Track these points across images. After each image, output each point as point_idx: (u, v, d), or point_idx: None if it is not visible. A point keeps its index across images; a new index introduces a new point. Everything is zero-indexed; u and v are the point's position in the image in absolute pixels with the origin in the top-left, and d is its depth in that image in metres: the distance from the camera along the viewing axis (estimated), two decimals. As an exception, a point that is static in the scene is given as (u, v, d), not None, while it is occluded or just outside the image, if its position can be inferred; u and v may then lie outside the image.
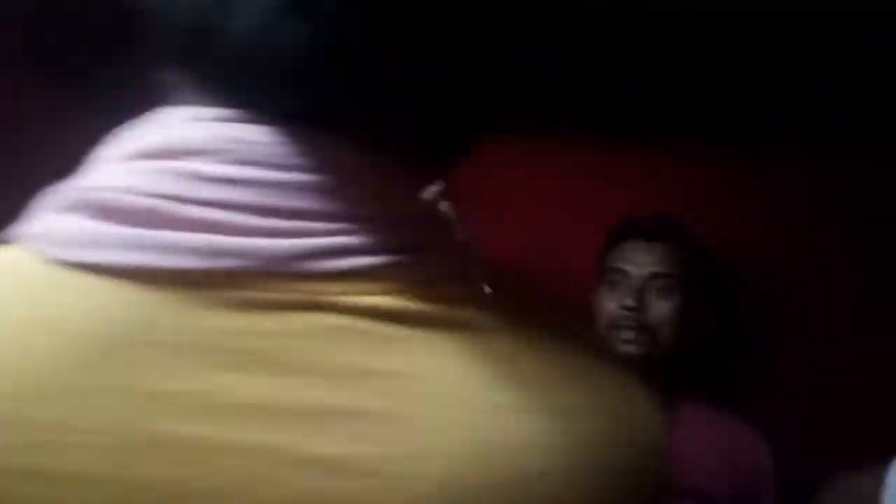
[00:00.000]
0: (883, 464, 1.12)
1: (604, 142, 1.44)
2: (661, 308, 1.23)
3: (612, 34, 1.33)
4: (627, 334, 1.22)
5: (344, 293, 0.28)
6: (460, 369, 0.29)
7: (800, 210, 1.38)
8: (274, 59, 0.29)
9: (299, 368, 0.27)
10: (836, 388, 1.33)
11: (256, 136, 0.29)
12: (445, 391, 0.28)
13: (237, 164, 0.28)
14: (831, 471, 1.16)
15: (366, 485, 0.26)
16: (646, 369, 1.22)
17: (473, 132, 0.35)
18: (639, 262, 1.25)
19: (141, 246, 0.27)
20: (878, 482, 1.10)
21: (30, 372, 0.26)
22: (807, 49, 1.31)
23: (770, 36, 1.31)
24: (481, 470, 0.27)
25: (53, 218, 0.29)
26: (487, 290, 0.34)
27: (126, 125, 0.32)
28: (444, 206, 1.11)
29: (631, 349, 1.21)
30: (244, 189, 0.28)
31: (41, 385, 0.26)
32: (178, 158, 0.29)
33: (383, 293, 0.29)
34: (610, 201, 1.43)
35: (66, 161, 0.34)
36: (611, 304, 1.25)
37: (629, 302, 1.22)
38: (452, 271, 0.32)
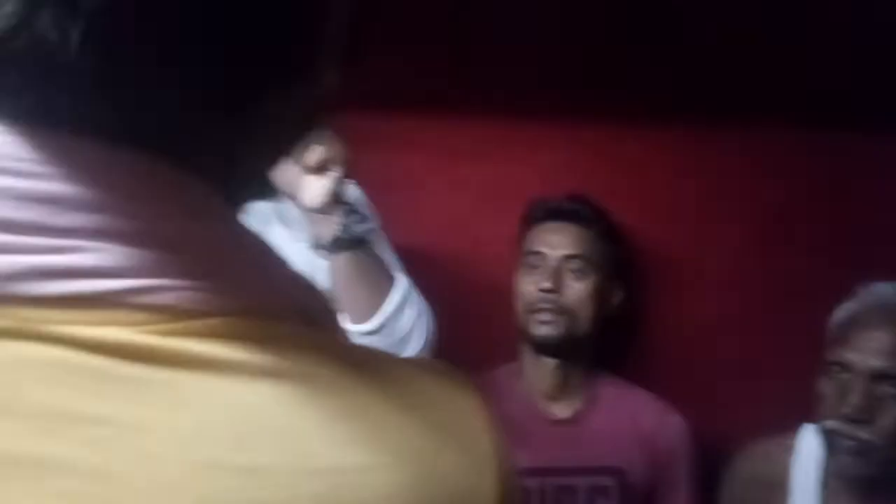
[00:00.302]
0: (791, 432, 1.15)
1: (516, 123, 1.41)
2: (576, 289, 1.23)
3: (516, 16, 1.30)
4: (545, 316, 1.22)
5: (64, 322, 0.25)
6: (202, 421, 0.25)
7: (705, 192, 1.41)
8: (34, 56, 0.25)
9: None
10: (745, 362, 1.38)
11: None
12: (173, 448, 0.24)
13: None
14: (742, 441, 1.20)
15: None
16: (563, 350, 1.22)
17: (265, 151, 0.32)
18: (554, 244, 1.25)
19: None
20: (788, 449, 1.13)
21: None
22: (719, 24, 1.32)
23: (675, 11, 1.31)
24: None
25: None
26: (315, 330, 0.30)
27: None
28: (352, 190, 1.05)
29: (549, 330, 1.21)
30: None
31: None
32: None
33: (117, 324, 0.25)
34: (523, 183, 1.40)
35: None
36: (529, 287, 1.24)
37: (546, 284, 1.22)
38: (235, 304, 0.27)
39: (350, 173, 0.96)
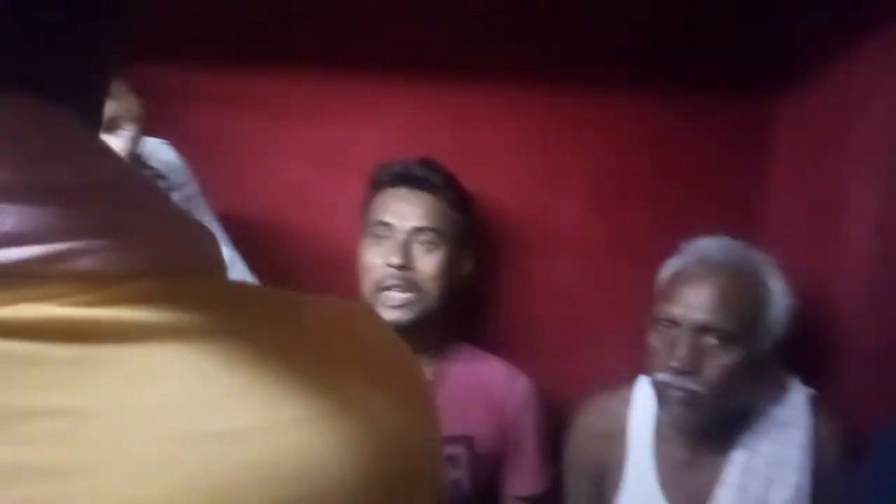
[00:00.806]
0: (628, 385, 1.19)
1: (358, 82, 1.34)
2: (427, 263, 1.18)
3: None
4: (395, 296, 1.16)
5: None
6: (161, 394, 0.23)
7: (550, 157, 1.41)
8: None
9: None
10: (592, 322, 1.41)
11: None
12: (138, 427, 0.22)
13: None
14: (586, 395, 1.23)
15: None
16: (415, 327, 1.17)
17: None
18: (404, 214, 1.19)
19: None
20: (625, 401, 1.17)
21: None
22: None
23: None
24: None
25: None
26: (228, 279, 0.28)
27: None
28: (164, 152, 0.95)
29: (400, 315, 1.15)
30: None
31: None
32: None
33: (35, 300, 0.22)
34: (366, 146, 1.35)
35: None
36: (376, 260, 1.18)
37: (395, 259, 1.16)
38: (156, 262, 0.24)
39: (159, 132, 0.87)
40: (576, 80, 1.37)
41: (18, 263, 0.21)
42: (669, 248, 1.14)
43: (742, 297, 1.03)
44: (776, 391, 1.07)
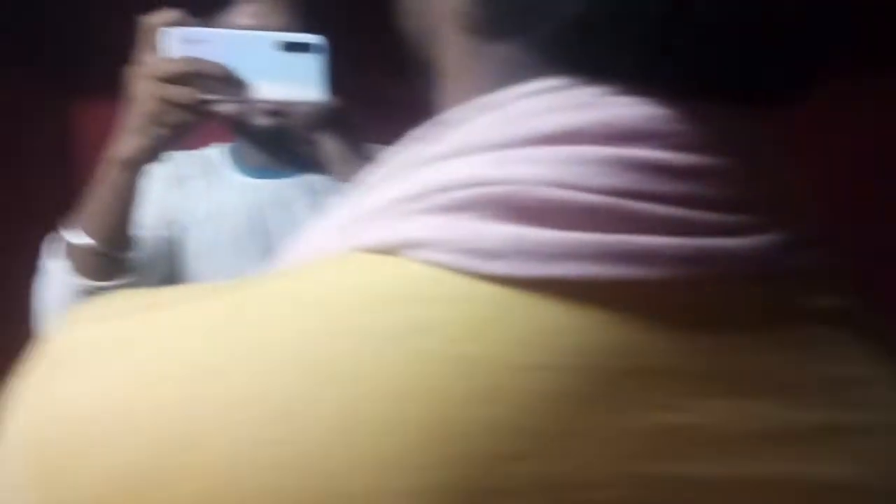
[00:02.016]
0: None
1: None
2: None
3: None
4: None
5: (803, 294, 0.25)
6: (881, 369, 0.26)
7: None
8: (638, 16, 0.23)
9: (786, 386, 0.24)
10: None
11: (666, 113, 0.23)
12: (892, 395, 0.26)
13: (678, 151, 0.23)
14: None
15: None
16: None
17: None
18: None
19: (591, 254, 0.22)
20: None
21: (486, 428, 0.21)
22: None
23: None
24: None
25: (435, 220, 0.23)
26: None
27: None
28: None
29: None
30: (695, 180, 0.23)
31: (506, 438, 0.21)
32: (607, 144, 0.23)
33: (830, 292, 0.26)
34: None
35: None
36: None
37: None
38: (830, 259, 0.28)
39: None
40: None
41: (814, 263, 0.25)
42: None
43: None
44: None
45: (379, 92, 1.03)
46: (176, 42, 0.77)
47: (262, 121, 0.96)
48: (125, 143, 0.79)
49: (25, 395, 0.24)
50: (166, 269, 0.98)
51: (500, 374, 0.21)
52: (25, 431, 0.23)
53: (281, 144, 1.02)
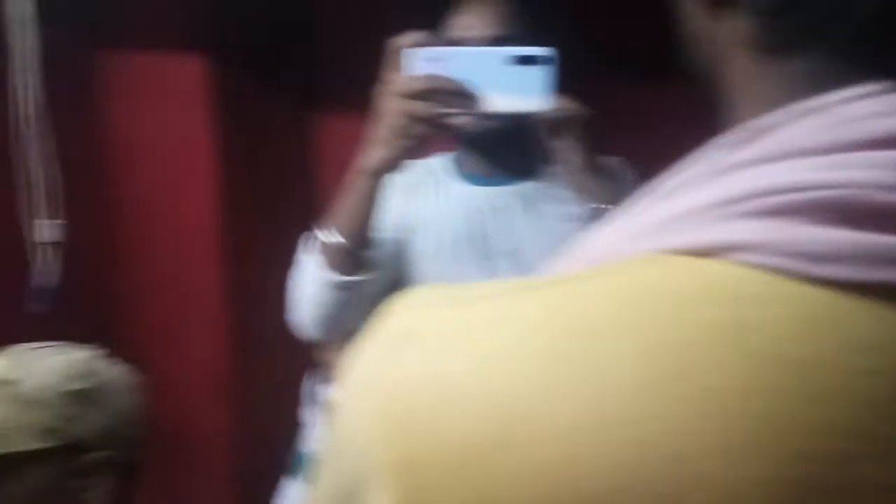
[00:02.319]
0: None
1: None
2: None
3: None
4: None
5: None
6: None
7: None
8: None
9: None
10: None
11: None
12: None
13: None
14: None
15: None
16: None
17: None
18: None
19: None
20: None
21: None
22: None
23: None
24: None
25: (757, 224, 0.24)
26: None
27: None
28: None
29: None
30: None
31: (845, 439, 0.21)
32: None
33: None
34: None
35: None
36: None
37: None
38: None
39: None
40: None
41: None
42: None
43: None
44: None
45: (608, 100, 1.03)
46: (419, 61, 0.83)
47: (488, 131, 1.01)
48: (372, 154, 0.86)
49: (368, 370, 0.28)
50: (395, 270, 1.06)
51: (833, 377, 0.22)
52: (377, 401, 0.27)
53: (501, 154, 1.06)
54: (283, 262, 1.06)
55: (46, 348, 0.83)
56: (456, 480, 0.24)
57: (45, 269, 1.45)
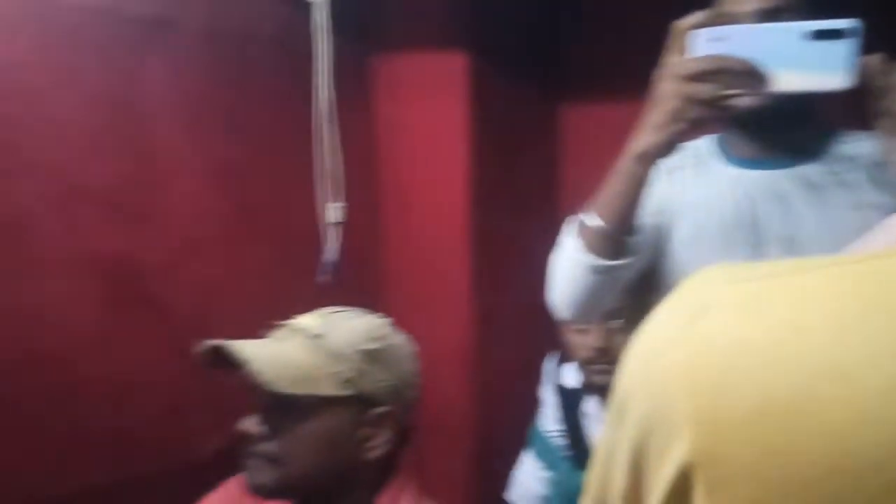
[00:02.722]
0: None
1: None
2: None
3: None
4: None
5: None
6: None
7: None
8: None
9: None
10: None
11: None
12: None
13: None
14: None
15: None
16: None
17: None
18: None
19: None
20: None
21: None
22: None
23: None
24: None
25: None
26: None
27: None
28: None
29: None
30: None
31: None
32: None
33: None
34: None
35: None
36: None
37: None
38: None
39: None
40: None
41: None
42: None
43: None
44: None
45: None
46: (702, 41, 0.80)
47: (765, 110, 0.92)
48: (644, 138, 0.85)
49: (668, 336, 0.30)
50: (652, 255, 1.04)
51: None
52: (679, 361, 0.29)
53: (777, 134, 0.99)
54: (526, 247, 1.10)
55: (348, 311, 0.96)
56: (749, 435, 0.26)
57: (331, 246, 1.67)
